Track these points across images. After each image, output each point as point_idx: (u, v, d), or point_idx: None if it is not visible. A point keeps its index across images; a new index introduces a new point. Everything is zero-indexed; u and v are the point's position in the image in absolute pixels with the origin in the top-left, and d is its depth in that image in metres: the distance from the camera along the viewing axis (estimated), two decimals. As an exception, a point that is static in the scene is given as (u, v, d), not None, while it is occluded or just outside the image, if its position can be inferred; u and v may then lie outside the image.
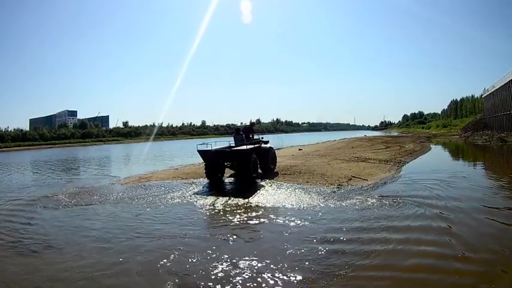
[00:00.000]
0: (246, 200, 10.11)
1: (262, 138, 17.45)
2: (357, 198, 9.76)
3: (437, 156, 23.65)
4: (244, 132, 16.14)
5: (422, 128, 73.01)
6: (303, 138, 69.77)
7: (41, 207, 10.25)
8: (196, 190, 12.05)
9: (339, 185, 12.17)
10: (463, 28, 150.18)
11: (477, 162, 20.23)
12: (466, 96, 69.20)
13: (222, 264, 5.39)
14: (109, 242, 6.72)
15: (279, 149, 36.87)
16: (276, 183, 12.62)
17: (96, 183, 14.96)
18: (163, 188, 12.56)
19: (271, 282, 4.76)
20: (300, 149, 30.58)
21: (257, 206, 9.42)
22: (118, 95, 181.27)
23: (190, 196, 11.01)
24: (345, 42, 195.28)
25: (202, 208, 9.47)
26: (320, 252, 5.74)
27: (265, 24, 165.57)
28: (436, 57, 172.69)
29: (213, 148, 14.54)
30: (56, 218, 8.90)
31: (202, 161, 14.21)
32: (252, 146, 14.79)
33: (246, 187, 12.21)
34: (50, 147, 60.78)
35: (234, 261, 5.49)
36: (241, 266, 5.30)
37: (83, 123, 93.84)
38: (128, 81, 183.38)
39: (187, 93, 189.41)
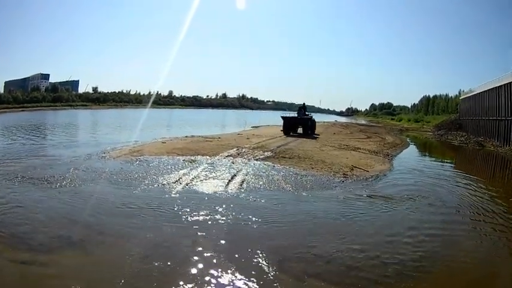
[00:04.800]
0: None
1: (310, 114, 31.30)
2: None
3: (419, 152, 24.52)
4: (301, 109, 30.20)
5: (392, 119, 75.25)
6: (271, 116, 69.32)
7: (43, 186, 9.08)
8: (201, 169, 11.38)
9: (344, 174, 12.13)
10: (442, 27, 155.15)
11: (464, 164, 20.32)
12: (440, 94, 72.00)
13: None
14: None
15: (257, 127, 36.82)
16: (289, 167, 12.33)
17: (83, 155, 13.57)
18: (162, 166, 11.68)
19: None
20: (281, 130, 30.48)
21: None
22: (90, 59, 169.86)
23: (200, 179, 10.34)
24: (323, 27, 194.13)
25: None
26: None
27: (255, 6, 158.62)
28: (413, 52, 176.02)
29: (290, 116, 29.19)
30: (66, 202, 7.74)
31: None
32: (309, 117, 29.15)
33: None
34: (23, 110, 57.69)
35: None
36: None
37: (54, 87, 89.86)
38: (101, 47, 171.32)
39: (157, 62, 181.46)
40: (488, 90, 28.68)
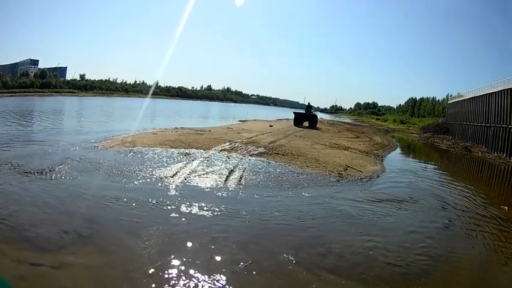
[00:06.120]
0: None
1: (314, 111, 40.35)
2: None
3: (408, 154, 24.89)
4: (308, 107, 38.08)
5: (378, 119, 76.08)
6: (256, 111, 70.18)
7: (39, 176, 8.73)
8: (197, 163, 11.20)
9: (339, 173, 12.24)
10: (431, 30, 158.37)
11: (453, 167, 20.93)
12: (427, 97, 73.13)
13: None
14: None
15: (244, 121, 36.80)
16: (284, 165, 12.32)
17: (74, 143, 13.10)
18: (157, 158, 11.42)
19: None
20: (271, 126, 30.53)
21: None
22: (79, 46, 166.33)
23: (198, 173, 10.15)
24: (311, 24, 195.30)
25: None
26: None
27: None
28: (400, 53, 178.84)
29: (299, 112, 39.42)
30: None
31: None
32: (314, 114, 37.52)
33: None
34: (11, 96, 56.28)
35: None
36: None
37: (42, 73, 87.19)
38: (91, 35, 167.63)
39: (145, 53, 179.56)
40: (478, 96, 29.29)
